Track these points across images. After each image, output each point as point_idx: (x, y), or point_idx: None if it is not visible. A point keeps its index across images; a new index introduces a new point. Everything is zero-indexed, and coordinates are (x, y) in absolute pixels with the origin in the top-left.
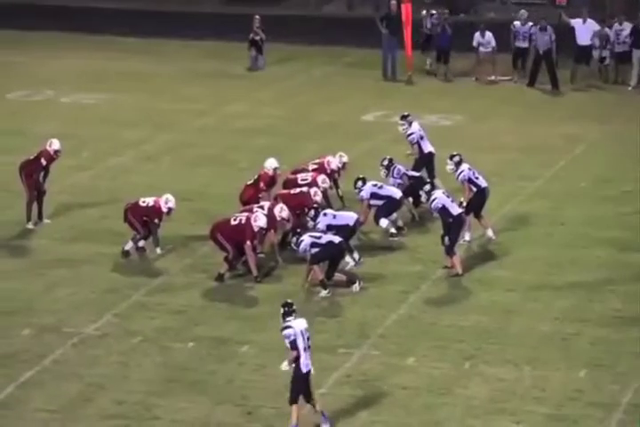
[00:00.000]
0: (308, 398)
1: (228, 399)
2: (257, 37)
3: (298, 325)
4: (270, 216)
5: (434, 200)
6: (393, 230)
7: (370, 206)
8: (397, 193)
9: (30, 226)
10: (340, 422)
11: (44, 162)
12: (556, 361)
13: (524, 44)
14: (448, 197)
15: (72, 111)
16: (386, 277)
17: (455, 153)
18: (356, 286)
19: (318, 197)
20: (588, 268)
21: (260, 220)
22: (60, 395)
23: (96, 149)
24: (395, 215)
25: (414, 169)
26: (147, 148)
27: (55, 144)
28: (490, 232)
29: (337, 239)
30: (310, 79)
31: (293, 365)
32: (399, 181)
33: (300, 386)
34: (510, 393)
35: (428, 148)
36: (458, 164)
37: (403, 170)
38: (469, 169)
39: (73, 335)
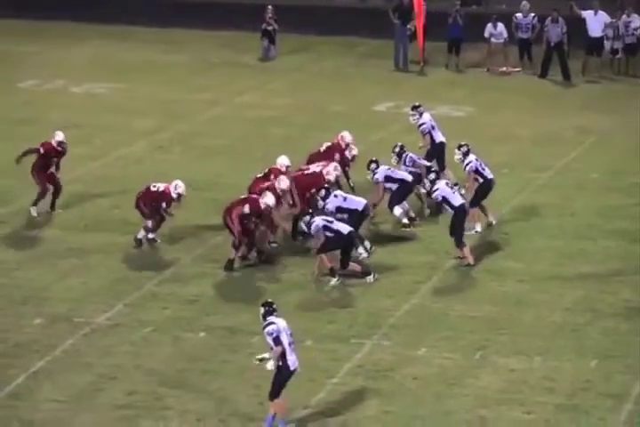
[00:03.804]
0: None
1: (240, 389)
2: (269, 28)
3: (282, 322)
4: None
5: (435, 191)
6: (405, 221)
7: (385, 190)
8: (409, 176)
9: (34, 213)
10: (351, 412)
11: (42, 151)
12: (566, 352)
13: (526, 36)
14: (451, 188)
15: (83, 100)
16: (397, 267)
17: (463, 143)
18: (370, 278)
19: (331, 177)
20: (597, 259)
21: (268, 197)
22: (71, 385)
23: (107, 139)
24: (407, 206)
25: (426, 159)
26: (158, 137)
27: (59, 136)
28: (491, 217)
29: (346, 229)
30: (322, 69)
31: (280, 362)
32: (411, 168)
33: (284, 383)
34: (521, 383)
35: (439, 138)
36: (465, 154)
37: (415, 158)
38: (476, 160)
39: (84, 325)
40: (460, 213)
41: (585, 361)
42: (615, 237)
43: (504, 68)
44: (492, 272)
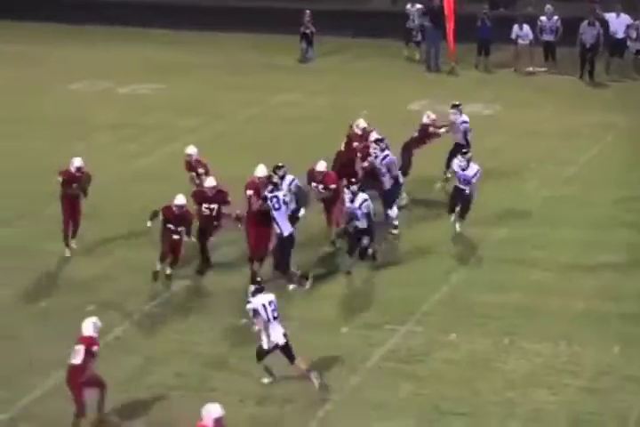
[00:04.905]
0: (292, 361)
1: (278, 372)
2: (307, 31)
3: (261, 299)
4: None
5: (365, 202)
6: (396, 223)
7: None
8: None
9: (67, 254)
10: (385, 394)
11: (61, 180)
12: (590, 337)
13: (551, 38)
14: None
15: (129, 101)
16: (428, 257)
17: (381, 137)
18: (292, 287)
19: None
20: (619, 248)
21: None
22: (123, 368)
23: (153, 137)
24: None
25: (452, 155)
26: (200, 135)
27: (77, 161)
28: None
29: (287, 231)
30: (358, 70)
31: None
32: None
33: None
34: (547, 367)
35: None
36: (383, 149)
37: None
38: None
39: (133, 313)
40: (371, 229)
41: (607, 346)
42: (635, 227)
43: (530, 69)
44: (519, 262)
